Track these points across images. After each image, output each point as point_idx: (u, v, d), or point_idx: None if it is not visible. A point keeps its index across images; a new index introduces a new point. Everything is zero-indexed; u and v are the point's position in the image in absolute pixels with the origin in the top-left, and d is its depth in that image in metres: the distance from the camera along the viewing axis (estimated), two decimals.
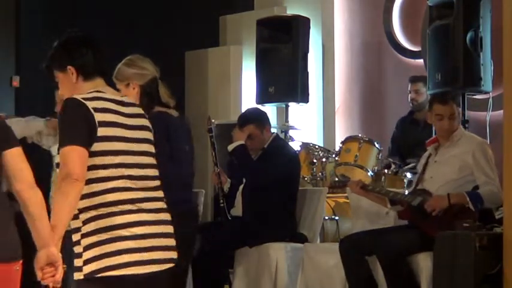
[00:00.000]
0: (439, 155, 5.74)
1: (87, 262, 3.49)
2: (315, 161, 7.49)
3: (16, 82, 8.71)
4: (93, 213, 3.51)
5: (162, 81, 4.87)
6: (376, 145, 7.26)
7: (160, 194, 3.69)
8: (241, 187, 6.63)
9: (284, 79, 8.15)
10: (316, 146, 7.69)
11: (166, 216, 3.68)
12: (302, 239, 6.46)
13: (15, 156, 3.31)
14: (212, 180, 6.80)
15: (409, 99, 7.58)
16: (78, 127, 3.51)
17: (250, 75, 8.67)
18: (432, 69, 7.10)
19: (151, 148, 3.71)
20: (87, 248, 3.50)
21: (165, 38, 9.84)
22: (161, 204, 3.68)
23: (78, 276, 3.51)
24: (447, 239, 5.13)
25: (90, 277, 3.49)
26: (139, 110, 3.78)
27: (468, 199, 5.40)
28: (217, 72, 9.09)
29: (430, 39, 7.20)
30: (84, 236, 3.51)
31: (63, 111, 3.57)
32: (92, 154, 3.51)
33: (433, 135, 6.14)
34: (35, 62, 9.38)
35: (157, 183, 3.69)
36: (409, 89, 7.55)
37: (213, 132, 6.74)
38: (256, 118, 6.58)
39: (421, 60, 8.10)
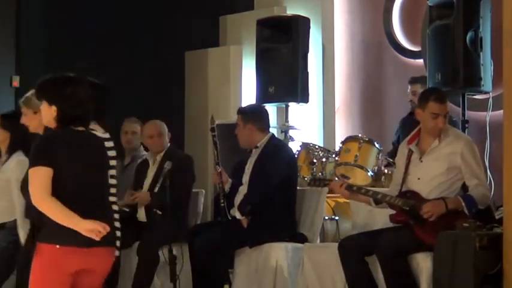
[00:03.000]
0: (425, 155, 5.65)
1: None
2: (315, 161, 7.49)
3: (16, 82, 8.71)
4: None
5: None
6: (376, 145, 7.25)
7: None
8: (241, 188, 6.64)
9: (284, 79, 8.15)
10: (316, 146, 7.68)
11: None
12: (302, 239, 6.46)
13: None
14: (213, 179, 6.82)
15: (409, 100, 7.57)
16: None
17: (250, 75, 8.67)
18: (432, 69, 7.10)
19: None
20: None
21: (165, 38, 9.85)
22: None
23: None
24: (447, 239, 5.13)
25: None
26: None
27: (463, 204, 5.40)
28: (217, 72, 9.09)
29: (430, 39, 7.20)
30: None
31: None
32: None
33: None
34: (35, 62, 9.44)
35: None
36: (408, 90, 7.55)
37: (216, 131, 6.77)
38: (246, 112, 6.70)
39: (421, 60, 8.10)
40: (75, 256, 4.07)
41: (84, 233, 4.00)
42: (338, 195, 6.92)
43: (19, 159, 6.04)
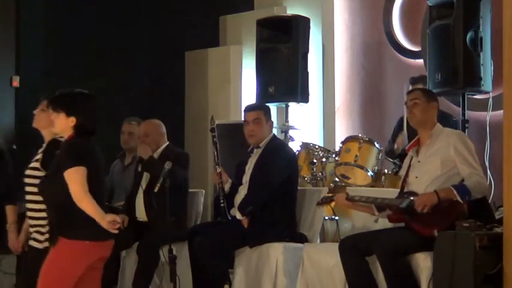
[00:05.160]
0: (420, 154, 5.72)
1: None
2: (315, 161, 7.49)
3: (16, 82, 8.72)
4: None
5: None
6: (376, 145, 7.25)
7: None
8: (240, 187, 6.64)
9: (284, 79, 8.15)
10: (316, 146, 7.68)
11: None
12: (302, 239, 6.46)
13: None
14: (213, 179, 6.82)
15: None
16: None
17: (250, 75, 8.67)
18: (432, 69, 7.11)
19: None
20: None
21: (165, 38, 9.85)
22: None
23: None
24: (447, 239, 5.13)
25: None
26: None
27: (455, 192, 5.38)
28: (217, 72, 9.09)
29: (430, 39, 7.20)
30: None
31: None
32: None
33: None
34: (35, 62, 9.45)
35: None
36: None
37: (216, 132, 6.76)
38: (266, 108, 6.75)
39: (421, 60, 8.11)
40: (97, 249, 4.75)
41: (105, 226, 4.64)
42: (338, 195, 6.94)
43: None
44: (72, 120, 4.82)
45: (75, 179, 4.68)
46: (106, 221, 4.65)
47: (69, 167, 4.69)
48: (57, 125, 4.89)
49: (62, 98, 4.90)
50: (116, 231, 4.69)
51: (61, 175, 4.71)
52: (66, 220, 4.70)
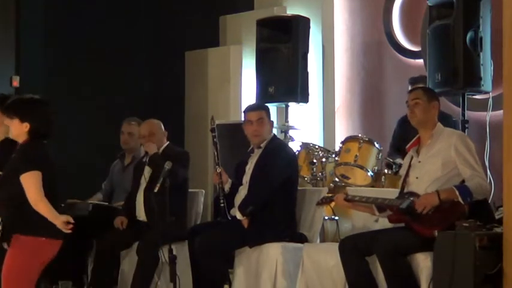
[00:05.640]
0: (421, 155, 5.71)
1: None
2: (315, 161, 7.49)
3: (16, 82, 8.72)
4: None
5: None
6: (376, 145, 7.25)
7: None
8: (240, 187, 6.64)
9: (284, 79, 8.15)
10: (316, 146, 7.68)
11: None
12: (302, 239, 6.46)
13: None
14: (213, 179, 6.81)
15: None
16: None
17: (250, 75, 8.67)
18: (432, 69, 7.11)
19: None
20: None
21: (165, 38, 9.85)
22: None
23: None
24: (447, 239, 5.13)
25: None
26: None
27: (458, 193, 5.38)
28: (217, 72, 9.09)
29: (430, 39, 7.20)
30: None
31: None
32: None
33: None
34: (35, 62, 9.45)
35: None
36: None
37: (216, 132, 6.76)
38: (267, 109, 6.75)
39: (421, 60, 8.11)
40: (53, 247, 5.01)
41: (59, 226, 4.92)
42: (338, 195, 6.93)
43: None
44: (26, 126, 5.06)
45: (31, 183, 4.93)
46: (60, 221, 4.92)
47: (25, 171, 4.94)
48: (13, 131, 5.13)
49: (15, 104, 5.15)
50: (69, 231, 4.96)
51: (17, 177, 4.95)
52: (24, 219, 4.96)
